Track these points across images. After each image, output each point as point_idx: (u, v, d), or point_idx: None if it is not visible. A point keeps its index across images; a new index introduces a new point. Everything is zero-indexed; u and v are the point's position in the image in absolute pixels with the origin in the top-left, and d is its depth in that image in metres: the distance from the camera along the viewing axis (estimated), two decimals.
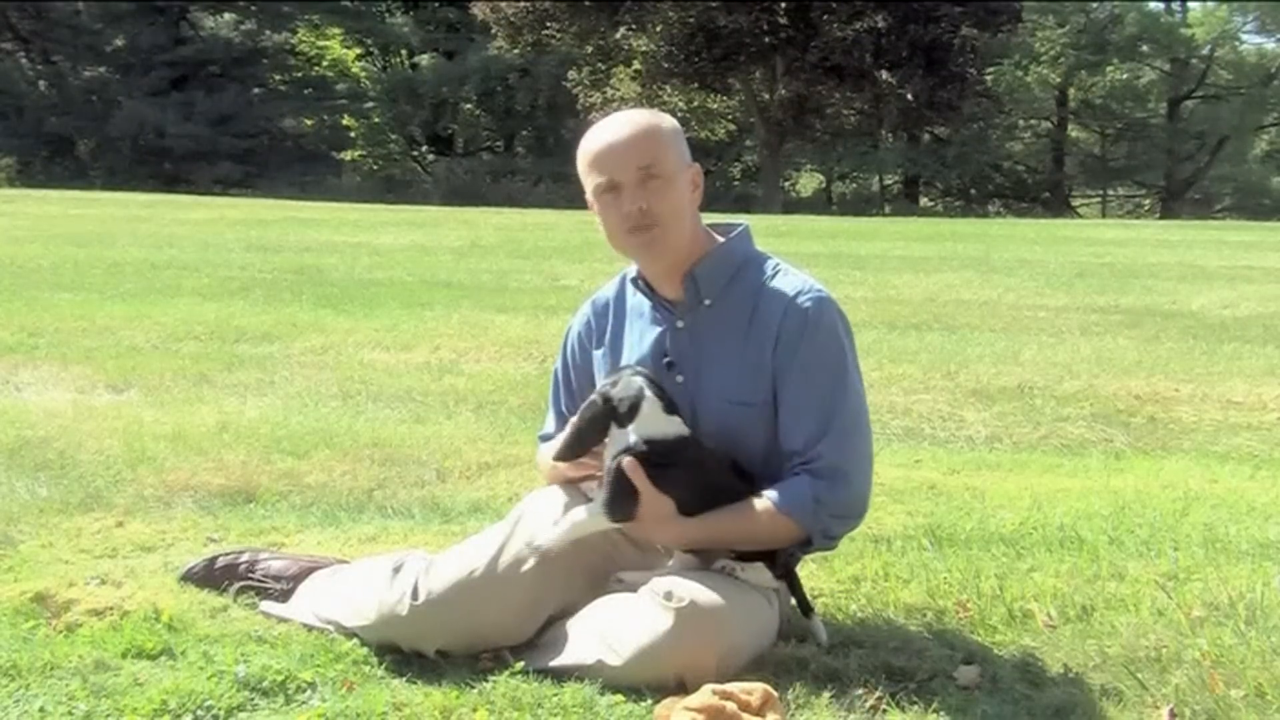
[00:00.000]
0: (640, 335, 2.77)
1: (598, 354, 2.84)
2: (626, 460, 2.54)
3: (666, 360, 2.70)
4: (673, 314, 2.72)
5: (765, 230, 16.21)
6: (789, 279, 2.70)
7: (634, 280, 2.79)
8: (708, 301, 2.69)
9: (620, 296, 2.85)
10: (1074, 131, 48.22)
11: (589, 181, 2.68)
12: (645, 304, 2.77)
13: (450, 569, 2.61)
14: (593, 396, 2.62)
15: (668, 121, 2.73)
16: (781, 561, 2.65)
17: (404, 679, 2.51)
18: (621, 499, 2.56)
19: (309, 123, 44.57)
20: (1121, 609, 2.89)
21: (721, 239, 2.75)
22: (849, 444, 2.63)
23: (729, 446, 2.66)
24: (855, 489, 2.64)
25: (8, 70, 42.21)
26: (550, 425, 2.96)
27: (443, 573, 2.60)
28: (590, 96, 37.21)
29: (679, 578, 2.53)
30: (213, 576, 3.01)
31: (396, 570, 2.66)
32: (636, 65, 37.24)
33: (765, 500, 2.59)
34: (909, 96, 35.78)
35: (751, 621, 2.57)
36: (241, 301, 9.26)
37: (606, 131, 2.68)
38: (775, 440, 2.66)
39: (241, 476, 4.15)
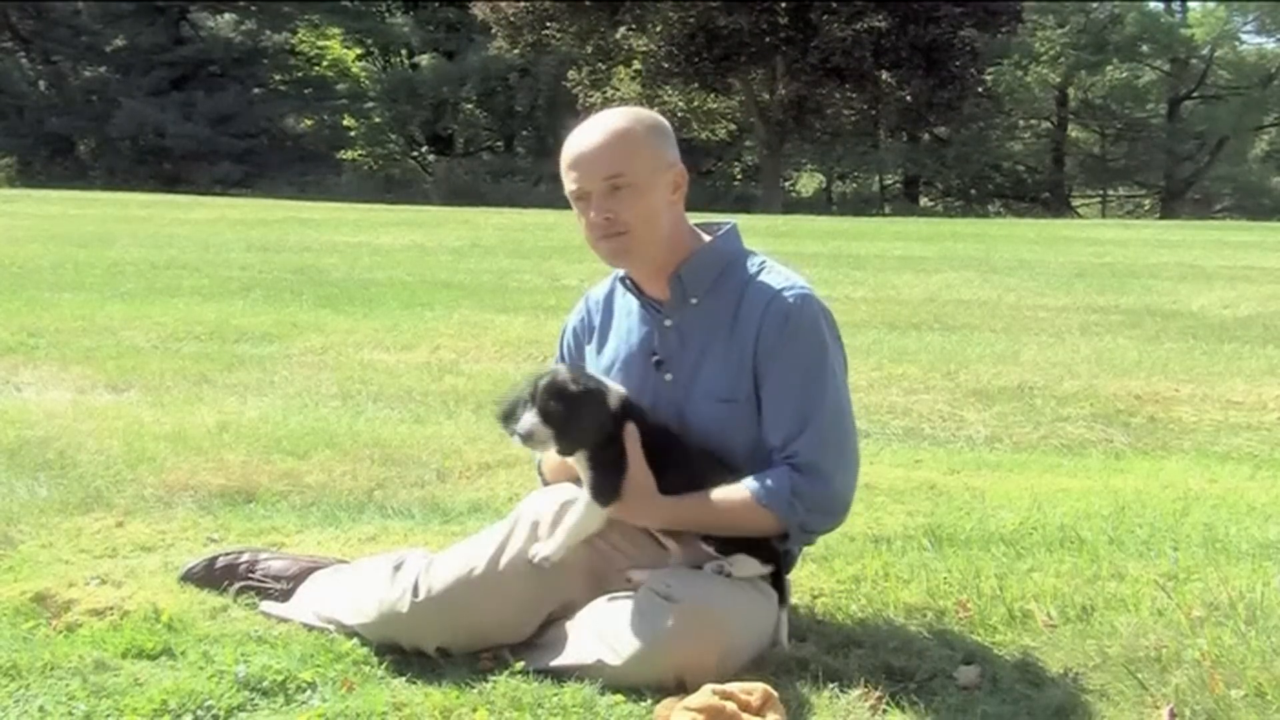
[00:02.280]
0: (628, 333, 2.78)
1: (589, 348, 2.86)
2: (627, 426, 2.57)
3: (655, 359, 2.71)
4: (660, 313, 2.73)
5: (765, 230, 16.27)
6: (772, 276, 2.70)
7: (622, 280, 2.79)
8: (694, 300, 2.70)
9: (611, 294, 2.86)
10: (1074, 131, 48.23)
11: (565, 184, 2.68)
12: (634, 303, 2.78)
13: (451, 567, 2.61)
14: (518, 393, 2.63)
15: (646, 123, 2.69)
16: (767, 548, 2.65)
17: (404, 679, 2.51)
18: (606, 480, 2.58)
19: (309, 123, 44.56)
20: (1121, 609, 2.88)
21: (708, 238, 2.75)
22: (828, 441, 2.62)
23: (717, 443, 2.66)
24: (834, 486, 2.63)
25: (8, 70, 42.22)
26: None
27: (443, 570, 2.60)
28: (590, 96, 37.16)
29: (679, 578, 2.53)
30: (213, 576, 3.02)
31: (397, 568, 2.66)
32: (636, 65, 37.24)
33: (744, 489, 2.59)
34: (909, 97, 35.76)
35: (751, 621, 2.57)
36: (241, 301, 9.26)
37: (580, 137, 2.66)
38: (749, 436, 2.66)
39: (241, 476, 4.15)
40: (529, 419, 2.54)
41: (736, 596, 2.55)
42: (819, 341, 2.66)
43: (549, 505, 2.68)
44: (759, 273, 2.71)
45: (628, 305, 2.80)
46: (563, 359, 2.93)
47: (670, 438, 2.63)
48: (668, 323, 2.72)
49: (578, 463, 2.61)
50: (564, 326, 2.95)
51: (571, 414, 2.53)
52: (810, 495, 2.59)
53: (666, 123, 2.75)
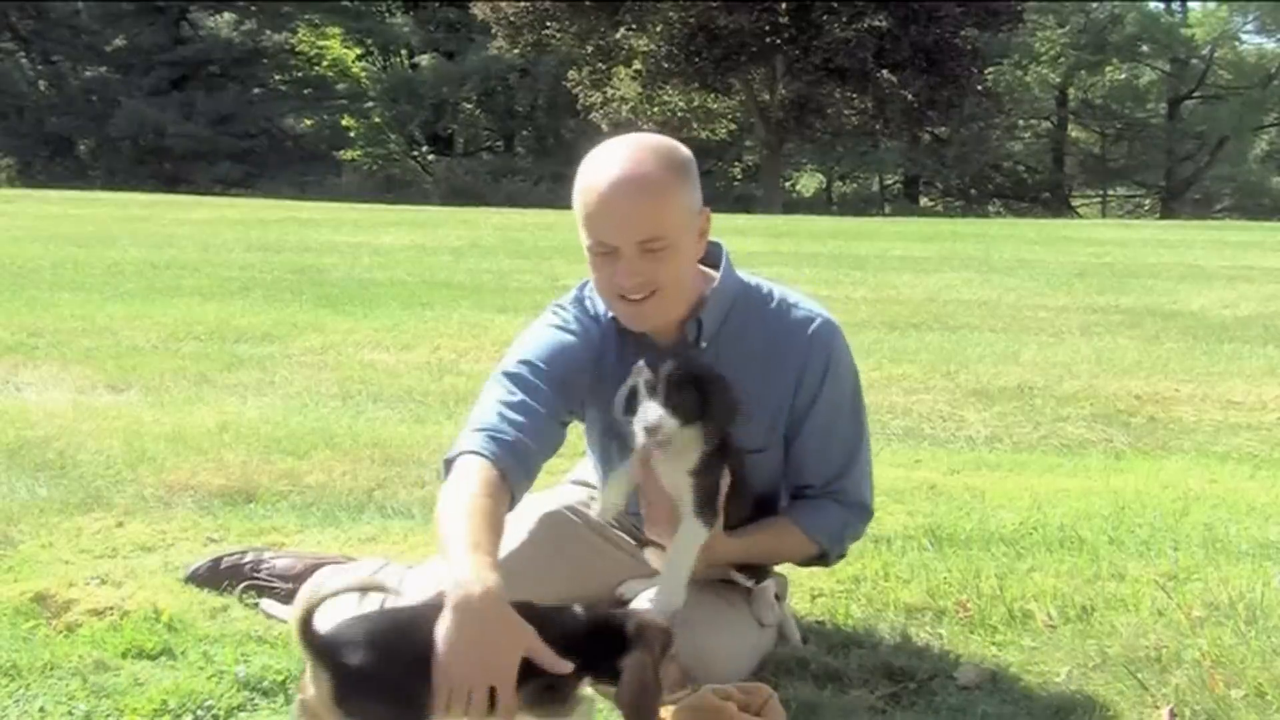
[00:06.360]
0: (627, 369, 2.46)
1: (590, 397, 2.60)
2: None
3: None
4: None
5: (765, 230, 16.26)
6: (792, 312, 2.56)
7: (619, 326, 2.54)
8: (704, 344, 2.52)
9: (604, 335, 2.59)
10: (1074, 131, 48.25)
11: (582, 233, 2.39)
12: (627, 346, 2.54)
13: (425, 586, 2.50)
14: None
15: (676, 166, 2.38)
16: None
17: None
18: (712, 496, 2.38)
19: (309, 123, 44.57)
20: (1121, 609, 2.89)
21: (713, 273, 2.55)
22: (867, 477, 2.69)
23: None
24: (870, 513, 2.73)
25: (8, 70, 42.23)
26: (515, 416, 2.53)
27: (420, 589, 2.50)
28: (590, 96, 37.21)
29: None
30: (218, 577, 3.02)
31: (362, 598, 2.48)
32: (636, 65, 37.21)
33: (796, 523, 2.60)
34: (910, 97, 35.76)
35: (734, 643, 2.53)
36: (241, 301, 9.25)
37: (606, 184, 2.33)
38: (775, 481, 2.62)
39: (241, 476, 4.15)
40: (652, 408, 2.24)
41: (720, 618, 2.52)
42: (853, 373, 2.65)
43: (532, 511, 2.61)
44: (776, 308, 2.55)
45: (620, 348, 2.54)
46: (539, 368, 2.55)
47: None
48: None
49: (679, 479, 2.34)
50: (558, 339, 2.57)
51: (711, 396, 2.28)
52: (858, 527, 2.69)
53: (689, 153, 2.45)
